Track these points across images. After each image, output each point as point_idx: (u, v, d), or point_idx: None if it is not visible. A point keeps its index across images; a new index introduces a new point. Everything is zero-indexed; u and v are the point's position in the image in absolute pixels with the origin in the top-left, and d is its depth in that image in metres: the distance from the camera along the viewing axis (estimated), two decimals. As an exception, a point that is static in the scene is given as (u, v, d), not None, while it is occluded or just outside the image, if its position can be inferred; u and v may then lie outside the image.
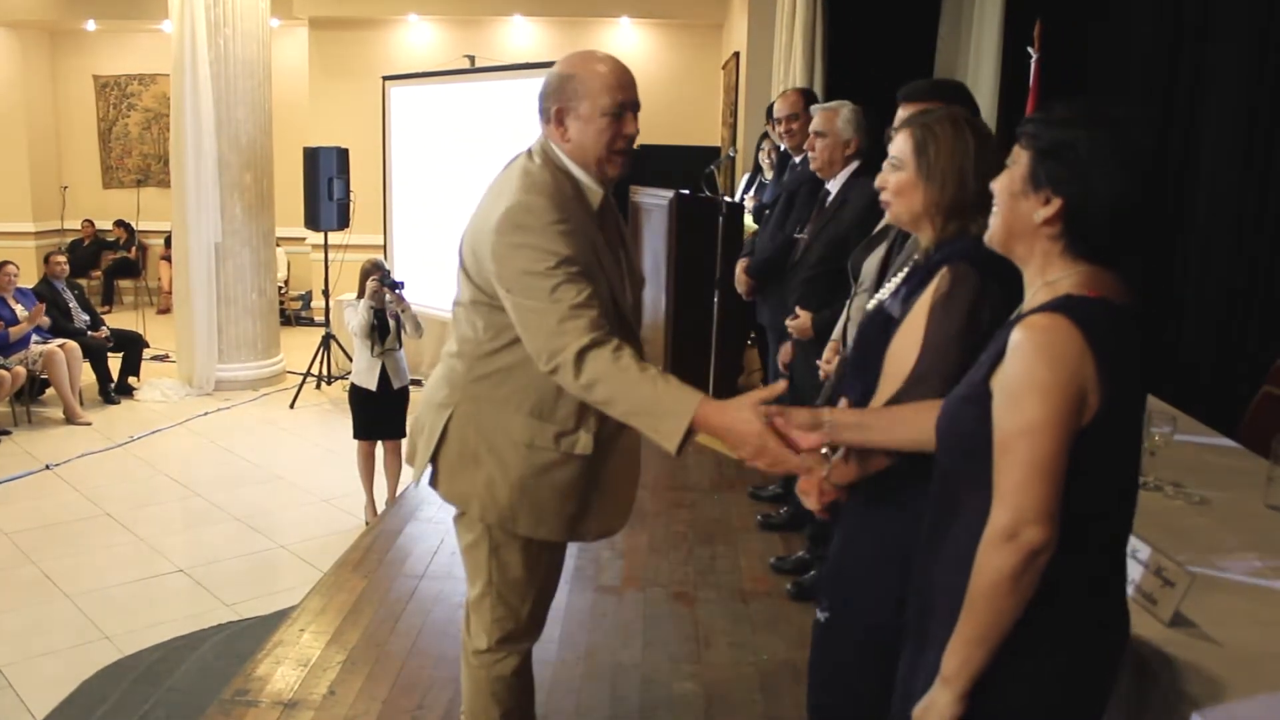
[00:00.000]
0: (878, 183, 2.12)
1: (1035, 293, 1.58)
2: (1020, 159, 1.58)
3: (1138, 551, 2.07)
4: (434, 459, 2.36)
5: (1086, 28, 5.36)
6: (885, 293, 2.18)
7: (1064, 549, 1.47)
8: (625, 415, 2.11)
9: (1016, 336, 1.50)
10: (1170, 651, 1.86)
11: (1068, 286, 1.53)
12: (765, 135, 6.30)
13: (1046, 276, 1.57)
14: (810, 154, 3.94)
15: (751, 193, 6.38)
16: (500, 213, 2.17)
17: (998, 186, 1.62)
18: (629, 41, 10.97)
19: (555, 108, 2.25)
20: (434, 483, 2.40)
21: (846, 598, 2.12)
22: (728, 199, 6.17)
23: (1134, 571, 2.05)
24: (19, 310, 7.72)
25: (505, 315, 2.21)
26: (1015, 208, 1.58)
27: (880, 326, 2.08)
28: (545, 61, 7.80)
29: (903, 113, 2.59)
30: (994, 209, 1.63)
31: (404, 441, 2.55)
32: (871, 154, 3.60)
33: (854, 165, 3.84)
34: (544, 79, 2.29)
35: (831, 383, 2.82)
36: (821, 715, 2.25)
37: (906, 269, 2.16)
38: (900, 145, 2.03)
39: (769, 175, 6.13)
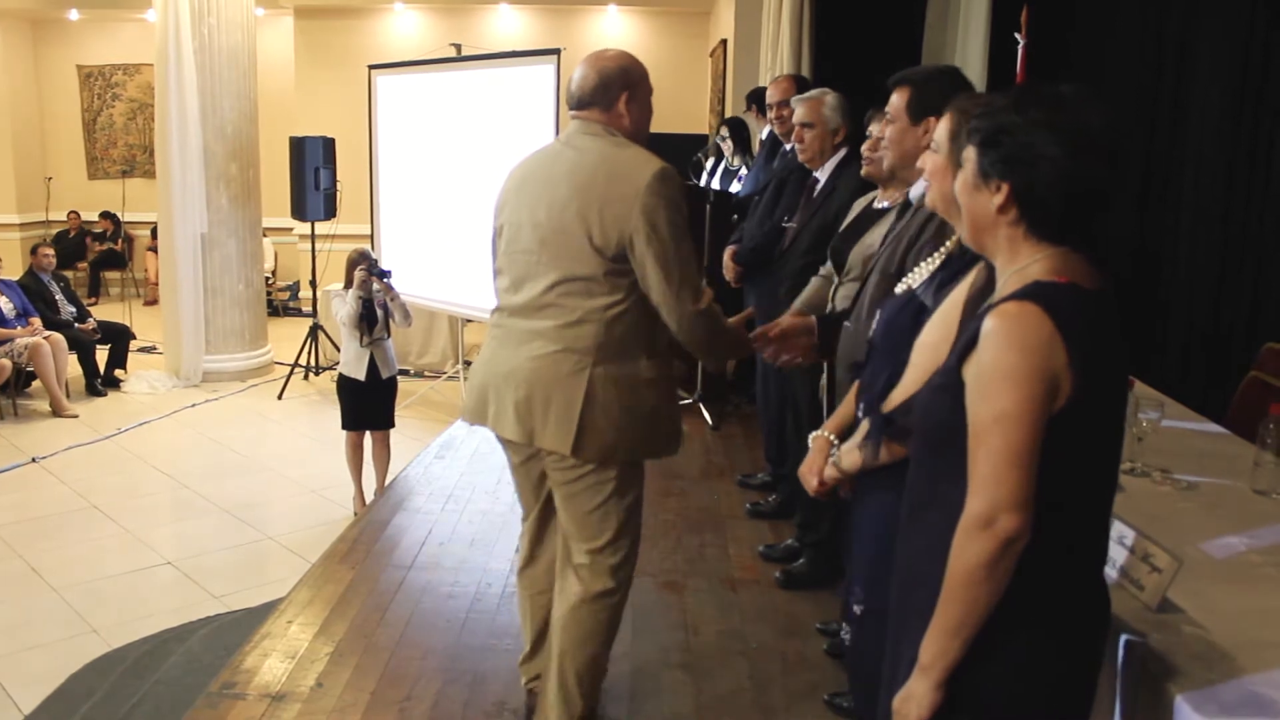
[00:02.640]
0: (919, 163, 2.11)
1: (1006, 281, 1.58)
2: (970, 156, 1.60)
3: (1124, 537, 2.07)
4: (580, 424, 2.54)
5: (1073, 13, 5.36)
6: (916, 279, 2.16)
7: (1040, 534, 1.47)
8: (717, 351, 2.72)
9: (987, 325, 1.50)
10: (1157, 637, 1.86)
11: (1037, 273, 1.53)
12: (725, 122, 6.33)
13: (1015, 264, 1.57)
14: (798, 146, 3.90)
15: (716, 179, 6.40)
16: (649, 176, 2.49)
17: (957, 187, 1.64)
18: (615, 29, 10.93)
19: (625, 94, 2.61)
20: (577, 448, 2.54)
21: (881, 589, 2.14)
22: (716, 187, 6.17)
23: (1121, 557, 2.05)
24: (2, 301, 7.68)
25: (627, 276, 2.52)
26: (974, 204, 1.60)
27: (912, 314, 2.06)
28: (532, 50, 7.78)
29: (896, 98, 2.58)
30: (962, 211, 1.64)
31: (508, 418, 2.61)
32: (856, 140, 3.57)
33: (841, 153, 3.80)
34: (597, 73, 2.60)
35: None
36: (864, 699, 2.27)
37: (940, 256, 2.14)
38: (940, 130, 2.02)
39: (735, 162, 6.15)
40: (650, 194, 2.46)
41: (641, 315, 2.55)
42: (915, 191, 2.64)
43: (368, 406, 5.49)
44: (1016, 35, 4.46)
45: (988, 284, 1.86)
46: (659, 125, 2.96)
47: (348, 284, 5.45)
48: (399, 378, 5.66)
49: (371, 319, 5.35)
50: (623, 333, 2.54)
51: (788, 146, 4.63)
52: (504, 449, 2.80)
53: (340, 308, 5.39)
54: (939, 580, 1.53)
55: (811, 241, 3.73)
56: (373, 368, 5.39)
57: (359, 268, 5.38)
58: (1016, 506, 1.45)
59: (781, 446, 4.43)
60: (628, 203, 2.46)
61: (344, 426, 5.54)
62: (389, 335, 5.51)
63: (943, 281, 2.01)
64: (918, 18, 6.07)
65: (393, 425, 5.64)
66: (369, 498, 5.49)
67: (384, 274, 5.47)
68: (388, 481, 5.45)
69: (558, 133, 6.61)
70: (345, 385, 5.47)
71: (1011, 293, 1.53)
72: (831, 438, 2.24)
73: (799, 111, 3.85)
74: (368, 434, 5.56)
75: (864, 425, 2.12)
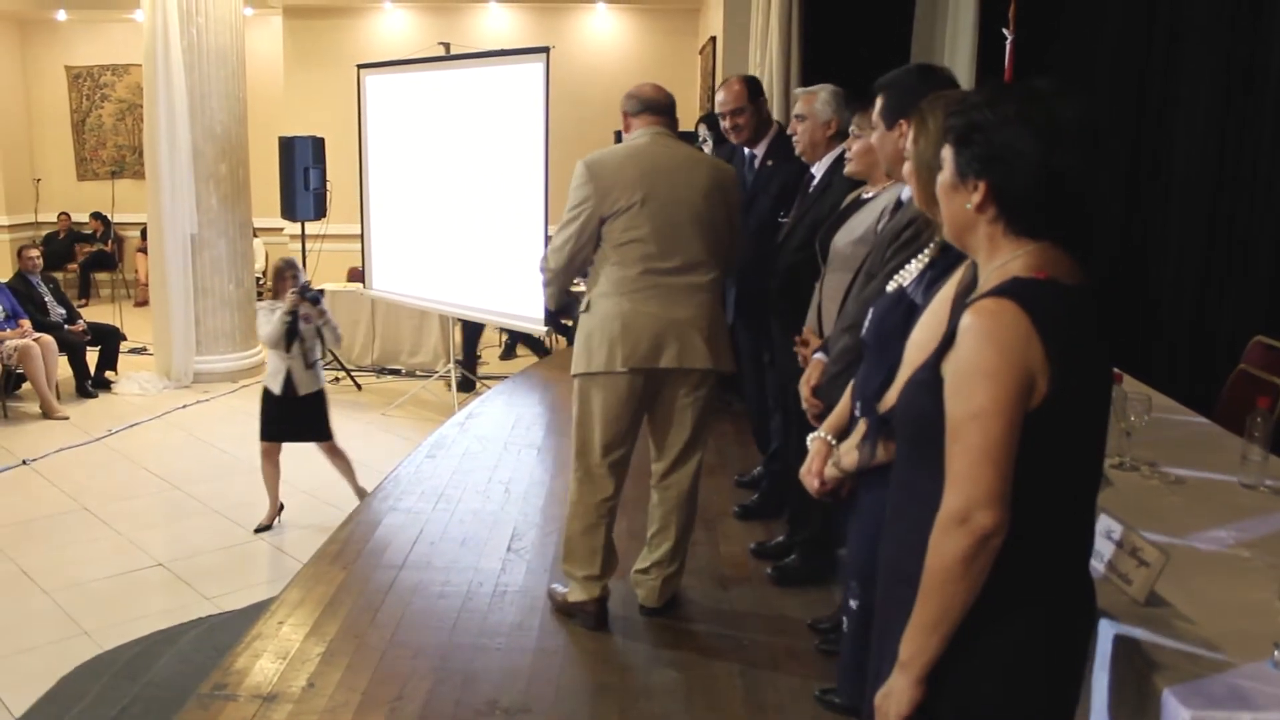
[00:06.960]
0: (905, 170, 2.11)
1: (987, 278, 1.57)
2: (947, 155, 1.58)
3: (1112, 531, 2.07)
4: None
5: (1061, 8, 5.36)
6: (906, 277, 2.15)
7: (1022, 529, 1.47)
8: None
9: (964, 322, 1.49)
10: (1144, 630, 1.86)
11: (1016, 269, 1.52)
12: (701, 120, 6.27)
13: (996, 261, 1.56)
14: (793, 136, 3.87)
15: None
16: (729, 167, 3.65)
17: (938, 188, 1.63)
18: (605, 26, 10.93)
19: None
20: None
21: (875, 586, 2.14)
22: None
23: (1108, 551, 2.06)
24: (-8, 303, 7.66)
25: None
26: (953, 203, 1.59)
27: (903, 313, 2.05)
28: (521, 48, 7.76)
29: (876, 104, 2.59)
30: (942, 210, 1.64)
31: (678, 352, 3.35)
32: None
33: (839, 148, 3.75)
34: (668, 96, 3.48)
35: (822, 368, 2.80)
36: (854, 695, 2.26)
37: (928, 254, 2.13)
38: (910, 134, 2.01)
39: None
40: (736, 178, 3.58)
41: None
42: (906, 193, 2.64)
43: (286, 420, 5.26)
44: (1005, 31, 4.46)
45: (975, 280, 1.86)
46: (649, 123, 3.06)
47: (276, 293, 5.20)
48: (388, 376, 5.61)
49: (292, 335, 5.11)
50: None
51: (754, 153, 4.49)
52: (627, 390, 3.33)
53: (264, 325, 5.13)
54: (921, 576, 1.53)
55: (804, 236, 3.62)
56: (289, 383, 5.16)
57: (291, 291, 5.11)
58: (992, 503, 1.45)
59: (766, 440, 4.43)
60: (733, 186, 3.49)
61: (260, 435, 5.32)
62: (320, 355, 5.29)
63: (932, 279, 2.00)
64: (906, 14, 6.07)
65: (328, 437, 5.39)
66: (337, 506, 5.37)
67: (316, 298, 5.21)
68: (380, 481, 5.39)
69: (547, 131, 6.64)
70: (264, 395, 5.28)
71: (989, 289, 1.52)
72: (830, 439, 2.24)
73: (796, 104, 3.84)
74: (321, 447, 5.38)
75: (861, 425, 2.12)
